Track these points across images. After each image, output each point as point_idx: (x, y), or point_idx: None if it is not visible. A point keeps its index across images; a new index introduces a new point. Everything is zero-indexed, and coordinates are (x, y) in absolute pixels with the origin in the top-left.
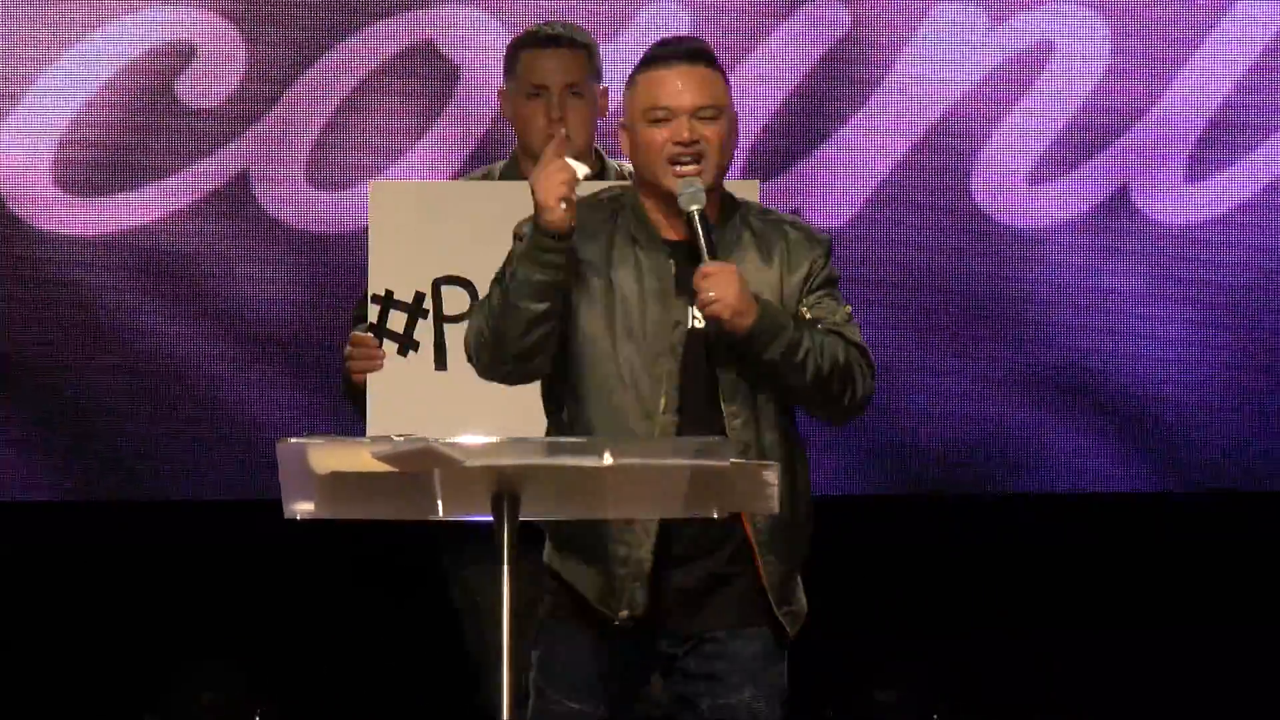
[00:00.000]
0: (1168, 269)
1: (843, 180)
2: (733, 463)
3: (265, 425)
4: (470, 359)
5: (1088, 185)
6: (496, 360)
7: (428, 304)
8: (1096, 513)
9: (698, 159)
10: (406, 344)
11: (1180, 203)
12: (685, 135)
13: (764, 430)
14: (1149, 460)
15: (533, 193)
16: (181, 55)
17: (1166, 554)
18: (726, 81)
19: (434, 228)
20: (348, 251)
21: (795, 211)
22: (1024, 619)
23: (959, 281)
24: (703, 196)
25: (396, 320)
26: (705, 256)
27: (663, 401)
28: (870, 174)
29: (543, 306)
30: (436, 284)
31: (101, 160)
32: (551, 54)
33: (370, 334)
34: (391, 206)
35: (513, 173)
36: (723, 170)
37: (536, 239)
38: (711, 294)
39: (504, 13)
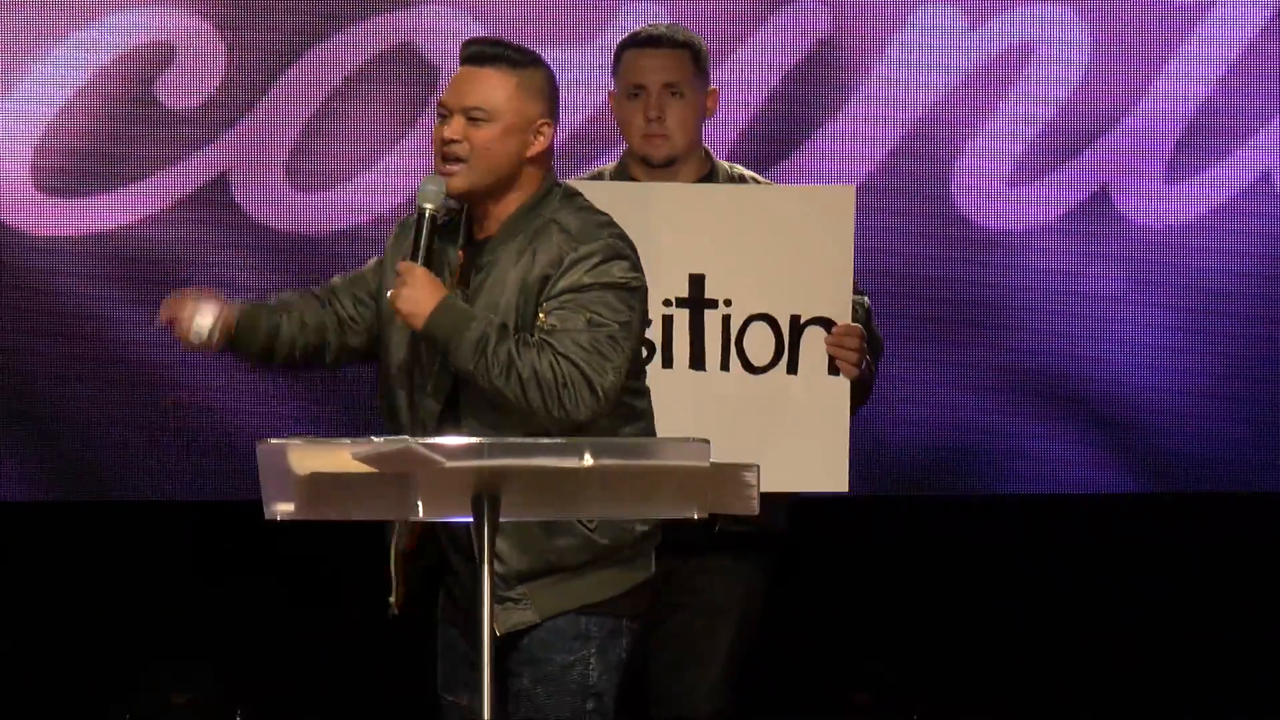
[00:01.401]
0: (1148, 270)
1: (823, 182)
2: (712, 464)
3: (244, 427)
4: None
5: (1068, 187)
6: None
7: None
8: (1075, 514)
9: (458, 159)
10: None
11: (1160, 204)
12: (445, 133)
13: (506, 434)
14: (1129, 462)
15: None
16: (161, 57)
17: (1147, 556)
18: (539, 85)
19: None
20: (328, 253)
21: None
22: (1002, 620)
23: (938, 283)
24: (438, 196)
25: None
26: (417, 256)
27: (428, 400)
28: (850, 176)
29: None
30: None
31: (81, 162)
32: (651, 54)
33: None
34: None
35: (623, 174)
36: (495, 174)
37: None
38: (389, 293)
39: (484, 14)
